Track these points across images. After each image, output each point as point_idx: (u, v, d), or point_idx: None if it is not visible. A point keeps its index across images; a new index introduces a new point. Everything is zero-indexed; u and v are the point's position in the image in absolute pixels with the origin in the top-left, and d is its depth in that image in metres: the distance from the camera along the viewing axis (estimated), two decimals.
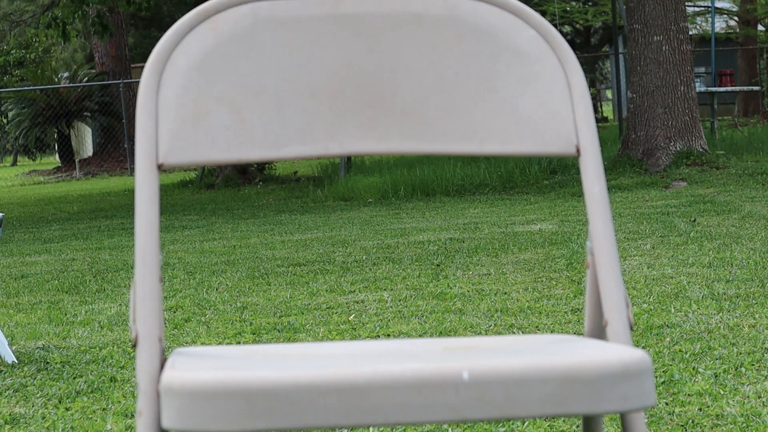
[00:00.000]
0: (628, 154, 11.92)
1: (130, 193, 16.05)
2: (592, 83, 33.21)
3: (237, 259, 7.21)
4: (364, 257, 6.82)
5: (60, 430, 3.26)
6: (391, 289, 5.51)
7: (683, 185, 10.63)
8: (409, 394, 1.29)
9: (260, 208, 11.66)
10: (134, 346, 1.46)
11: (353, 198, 11.86)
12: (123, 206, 13.40)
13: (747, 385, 3.31)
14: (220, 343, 4.45)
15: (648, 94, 11.87)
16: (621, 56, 20.23)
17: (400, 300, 5.19)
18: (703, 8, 26.81)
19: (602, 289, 1.54)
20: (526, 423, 3.06)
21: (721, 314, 4.38)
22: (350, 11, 1.66)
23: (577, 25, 31.16)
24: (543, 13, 24.62)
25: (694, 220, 7.69)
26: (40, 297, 6.03)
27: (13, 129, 25.92)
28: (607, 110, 39.16)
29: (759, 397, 3.19)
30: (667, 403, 3.18)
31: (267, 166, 16.55)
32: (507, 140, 1.66)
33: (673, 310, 4.51)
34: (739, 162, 11.82)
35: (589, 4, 28.77)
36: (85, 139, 29.24)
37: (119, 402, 3.54)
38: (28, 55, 32.03)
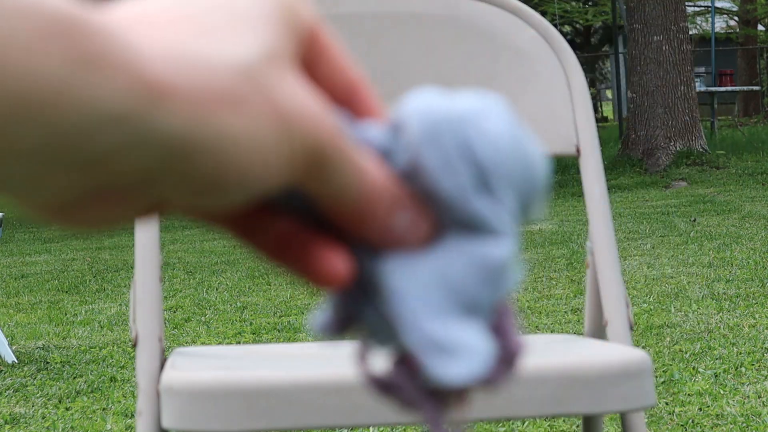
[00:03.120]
0: (628, 154, 11.92)
1: None
2: (592, 83, 33.19)
3: (237, 258, 7.21)
4: None
5: (60, 430, 3.26)
6: None
7: (683, 185, 10.63)
8: None
9: None
10: (134, 346, 1.46)
11: None
12: None
13: (747, 385, 3.31)
14: (220, 343, 4.45)
15: (648, 94, 11.86)
16: (621, 56, 20.22)
17: None
18: (703, 8, 26.80)
19: (602, 289, 1.54)
20: (526, 423, 3.06)
21: (721, 314, 4.38)
22: (350, 11, 1.66)
23: (577, 25, 31.15)
24: (543, 13, 24.62)
25: (694, 220, 7.69)
26: (40, 297, 6.03)
27: None
28: (607, 110, 39.13)
29: (759, 397, 3.19)
30: (667, 403, 3.18)
31: None
32: None
33: (673, 310, 4.51)
34: (739, 162, 11.82)
35: (589, 4, 28.77)
36: None
37: (119, 402, 3.54)
38: None
